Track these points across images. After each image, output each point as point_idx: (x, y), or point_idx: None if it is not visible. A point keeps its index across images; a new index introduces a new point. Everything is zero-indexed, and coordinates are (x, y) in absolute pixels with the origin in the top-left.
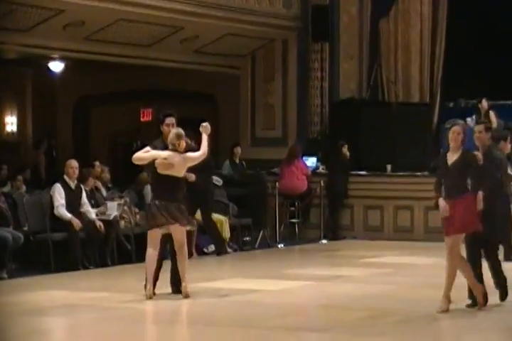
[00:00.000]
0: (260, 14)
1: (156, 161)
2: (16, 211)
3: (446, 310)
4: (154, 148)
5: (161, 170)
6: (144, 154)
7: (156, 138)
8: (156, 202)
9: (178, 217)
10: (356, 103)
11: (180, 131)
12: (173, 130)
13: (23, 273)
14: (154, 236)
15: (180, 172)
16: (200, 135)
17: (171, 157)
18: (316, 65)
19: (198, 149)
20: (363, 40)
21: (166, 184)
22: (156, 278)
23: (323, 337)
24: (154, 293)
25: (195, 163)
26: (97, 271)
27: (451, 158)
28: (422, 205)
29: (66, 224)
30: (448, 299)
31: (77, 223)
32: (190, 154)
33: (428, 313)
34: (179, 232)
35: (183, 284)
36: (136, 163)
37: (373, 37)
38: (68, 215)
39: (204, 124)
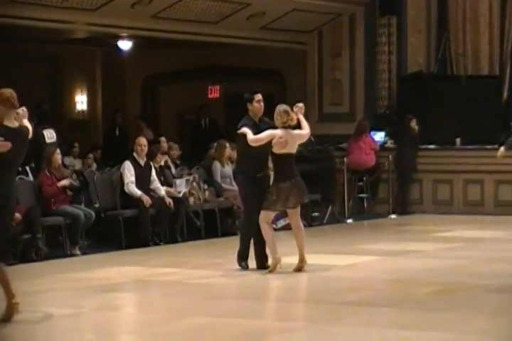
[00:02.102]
0: None
1: (273, 141)
2: (87, 188)
3: None
4: (247, 126)
5: (277, 150)
6: (261, 135)
7: (240, 117)
8: (282, 184)
9: (298, 199)
10: (424, 77)
11: (286, 106)
12: (278, 108)
13: (95, 249)
14: (269, 217)
15: (293, 148)
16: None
17: (285, 135)
18: (383, 40)
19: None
20: (431, 14)
21: (284, 162)
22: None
23: (393, 312)
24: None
25: (305, 139)
26: (167, 247)
27: None
28: (492, 179)
29: (136, 201)
30: None
31: (147, 200)
32: (299, 131)
33: (499, 287)
34: (296, 213)
35: (303, 258)
36: (254, 144)
37: (441, 10)
38: (138, 192)
39: (300, 105)
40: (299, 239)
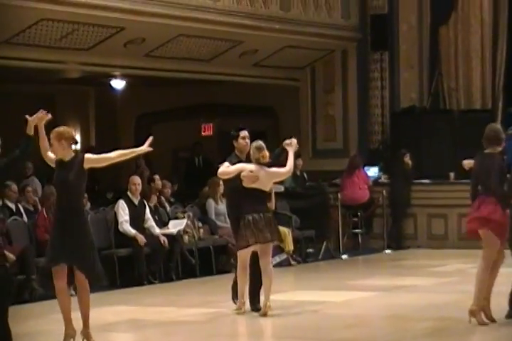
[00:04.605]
0: (319, 25)
1: (242, 174)
2: None
3: None
4: (231, 163)
5: (246, 184)
6: (230, 168)
7: (229, 155)
8: (249, 217)
9: (268, 235)
10: (417, 111)
11: (261, 142)
12: (253, 144)
13: (90, 289)
14: (245, 257)
15: (266, 186)
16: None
17: (257, 170)
18: (376, 75)
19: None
20: (423, 49)
21: (252, 197)
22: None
23: None
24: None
25: (282, 178)
26: (162, 286)
27: None
28: None
29: (131, 240)
30: None
31: (141, 239)
32: (275, 169)
33: (497, 322)
34: (266, 252)
35: (268, 303)
36: (223, 177)
37: (433, 45)
38: (133, 231)
39: (287, 142)
40: (266, 282)
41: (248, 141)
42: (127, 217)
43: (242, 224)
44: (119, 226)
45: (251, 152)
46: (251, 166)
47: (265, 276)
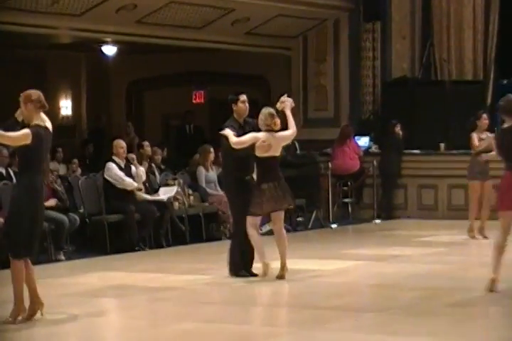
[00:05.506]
0: None
1: (256, 145)
2: (72, 193)
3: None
4: (232, 128)
5: (260, 153)
6: (244, 138)
7: (222, 121)
8: (264, 186)
9: (283, 201)
10: (409, 82)
11: (272, 109)
12: (264, 110)
13: (80, 255)
14: (254, 222)
15: (277, 151)
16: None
17: (268, 138)
18: (368, 45)
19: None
20: (415, 19)
21: (267, 165)
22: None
23: (378, 317)
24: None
25: (290, 140)
26: (152, 253)
27: None
28: None
29: (121, 206)
30: None
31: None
32: (282, 133)
33: (483, 292)
34: (279, 219)
35: (285, 266)
36: (238, 147)
37: (425, 15)
38: (135, 183)
39: (283, 99)
40: (281, 246)
41: (247, 105)
42: (121, 173)
43: (257, 192)
44: (119, 182)
45: (262, 117)
46: (262, 135)
47: (280, 241)
